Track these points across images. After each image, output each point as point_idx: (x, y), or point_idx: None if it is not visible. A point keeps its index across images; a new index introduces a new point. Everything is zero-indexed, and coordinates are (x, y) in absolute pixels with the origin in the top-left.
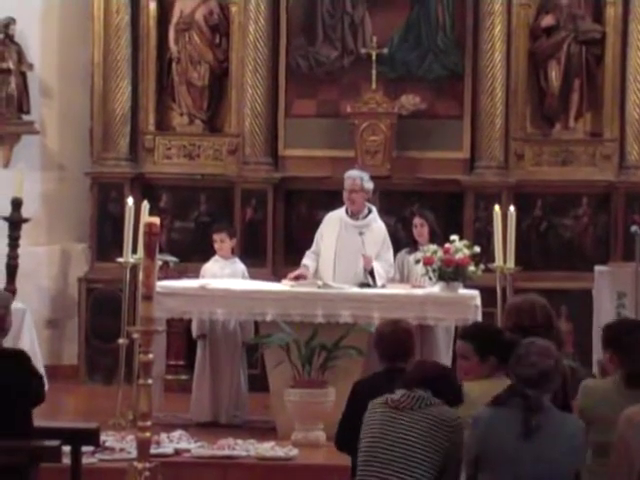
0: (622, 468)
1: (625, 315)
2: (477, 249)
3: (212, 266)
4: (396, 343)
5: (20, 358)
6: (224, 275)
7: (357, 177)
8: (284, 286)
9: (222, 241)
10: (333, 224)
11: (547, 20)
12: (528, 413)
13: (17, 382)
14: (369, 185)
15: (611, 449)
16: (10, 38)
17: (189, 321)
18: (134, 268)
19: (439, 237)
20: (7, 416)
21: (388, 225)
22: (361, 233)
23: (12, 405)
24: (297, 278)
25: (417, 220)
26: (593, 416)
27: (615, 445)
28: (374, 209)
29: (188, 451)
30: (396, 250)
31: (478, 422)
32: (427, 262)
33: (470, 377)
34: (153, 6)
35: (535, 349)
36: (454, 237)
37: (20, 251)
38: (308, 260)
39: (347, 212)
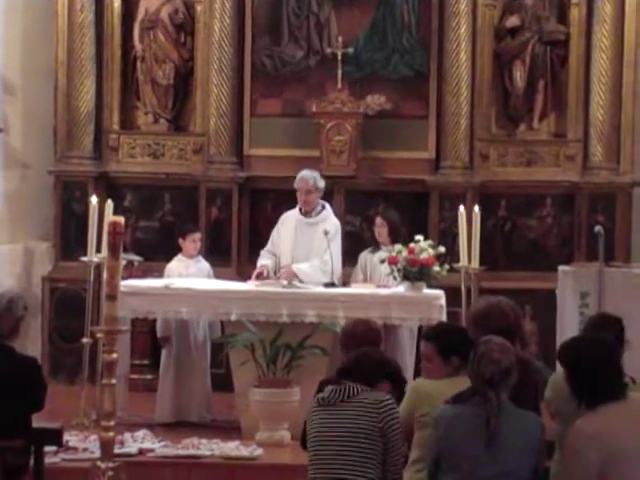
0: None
1: (587, 315)
2: (442, 249)
3: (177, 265)
4: (368, 343)
5: (32, 366)
6: (190, 274)
7: (310, 178)
8: (249, 285)
9: (200, 240)
10: (288, 224)
11: (512, 21)
12: (489, 416)
13: (25, 389)
14: (322, 184)
15: (562, 461)
16: None
17: (154, 321)
18: (98, 267)
19: (403, 237)
20: (9, 420)
21: (353, 225)
22: (326, 232)
23: (15, 410)
24: (258, 277)
25: (378, 220)
26: (556, 408)
27: (567, 457)
28: (327, 205)
29: (152, 451)
30: (360, 249)
31: (439, 422)
32: (392, 262)
33: (433, 377)
34: (117, 4)
35: (495, 346)
36: (419, 237)
37: None
38: (265, 260)
39: (301, 211)
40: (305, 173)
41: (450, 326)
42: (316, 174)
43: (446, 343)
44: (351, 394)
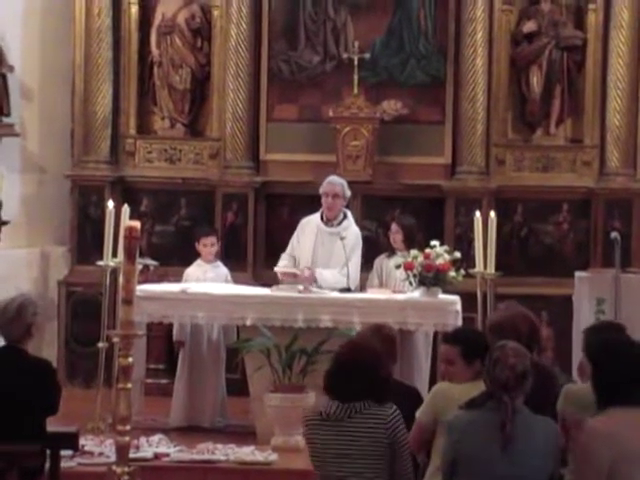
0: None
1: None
2: (457, 254)
3: (195, 270)
4: (383, 349)
5: (45, 369)
6: (208, 279)
7: (338, 183)
8: (265, 290)
9: (212, 245)
10: (309, 231)
11: (529, 26)
12: (504, 420)
13: (38, 392)
14: (348, 193)
15: (574, 461)
16: None
17: (170, 325)
18: (114, 271)
19: (418, 243)
20: (24, 423)
21: (369, 230)
22: (342, 238)
23: (30, 413)
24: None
25: (393, 226)
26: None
27: (578, 456)
28: (349, 214)
29: (167, 455)
30: (376, 254)
31: (453, 427)
32: (408, 267)
33: (455, 381)
34: (135, 9)
35: (511, 351)
36: (435, 242)
37: None
38: (286, 262)
39: (322, 218)
40: (333, 178)
41: (472, 330)
42: (344, 181)
43: (470, 346)
44: (358, 410)
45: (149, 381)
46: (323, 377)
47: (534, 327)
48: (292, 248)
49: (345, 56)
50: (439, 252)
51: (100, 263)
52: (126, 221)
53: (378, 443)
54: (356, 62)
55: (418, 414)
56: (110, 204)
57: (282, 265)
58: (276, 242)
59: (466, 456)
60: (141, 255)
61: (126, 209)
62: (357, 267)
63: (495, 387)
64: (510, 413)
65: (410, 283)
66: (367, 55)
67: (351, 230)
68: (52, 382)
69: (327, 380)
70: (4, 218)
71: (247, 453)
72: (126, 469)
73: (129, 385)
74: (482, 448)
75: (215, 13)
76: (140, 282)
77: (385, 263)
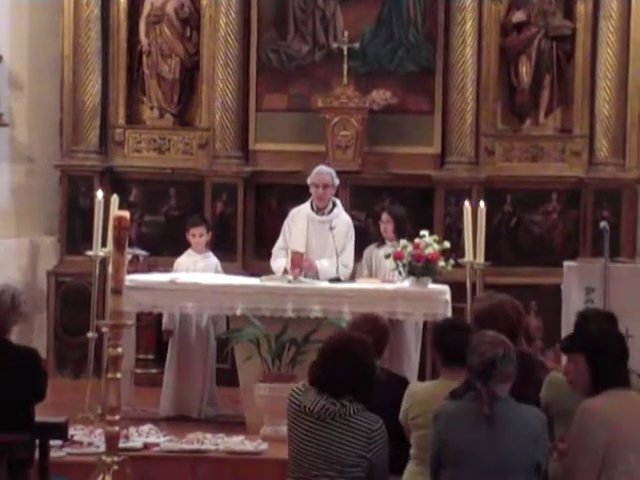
0: (585, 460)
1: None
2: (447, 244)
3: (186, 260)
4: (376, 340)
5: (31, 356)
6: (198, 269)
7: (327, 173)
8: (254, 280)
9: (200, 235)
10: (300, 221)
11: (518, 16)
12: (480, 406)
13: (26, 380)
14: (337, 181)
15: (570, 443)
16: None
17: (159, 315)
18: (103, 261)
19: (408, 233)
20: (11, 411)
21: (358, 220)
22: (332, 228)
23: (17, 401)
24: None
25: (384, 216)
26: (558, 410)
27: (575, 438)
28: (338, 202)
29: (157, 445)
30: (365, 244)
31: (438, 417)
32: (397, 257)
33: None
34: None
35: (487, 339)
36: (424, 232)
37: None
38: (282, 259)
39: (312, 208)
40: (322, 168)
41: (443, 322)
42: (332, 171)
43: (433, 336)
44: (342, 415)
45: (138, 371)
46: (309, 368)
47: (521, 314)
48: (285, 240)
49: (334, 46)
50: (428, 242)
51: (89, 253)
52: (115, 211)
53: (353, 454)
54: (345, 52)
55: (399, 416)
56: (99, 194)
57: (283, 262)
58: (266, 232)
59: (451, 445)
60: (130, 245)
61: (115, 199)
62: (352, 255)
63: (469, 374)
64: (488, 400)
65: (400, 273)
66: (356, 45)
67: (341, 218)
68: (37, 369)
69: (313, 370)
70: None
71: (237, 443)
72: (115, 459)
73: (118, 375)
74: (466, 437)
75: (204, 2)
76: (129, 272)
77: (375, 253)
